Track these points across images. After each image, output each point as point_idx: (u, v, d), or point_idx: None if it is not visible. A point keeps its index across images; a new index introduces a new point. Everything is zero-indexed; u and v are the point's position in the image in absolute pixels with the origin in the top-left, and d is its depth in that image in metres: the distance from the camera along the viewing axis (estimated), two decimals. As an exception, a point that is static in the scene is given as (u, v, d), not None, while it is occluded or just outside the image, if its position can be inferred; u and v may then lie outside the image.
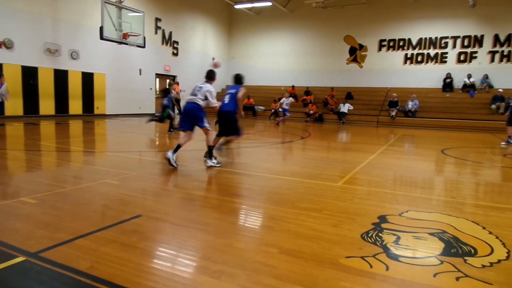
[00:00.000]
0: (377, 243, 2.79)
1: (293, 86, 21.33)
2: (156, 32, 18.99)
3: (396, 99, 18.10)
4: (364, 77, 20.89)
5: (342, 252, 2.62)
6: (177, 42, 20.51)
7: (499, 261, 2.55)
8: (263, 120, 18.90)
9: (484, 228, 3.21)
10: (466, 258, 2.56)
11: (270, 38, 23.32)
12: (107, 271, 2.24)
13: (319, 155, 8.30)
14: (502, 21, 17.82)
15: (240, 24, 24.39)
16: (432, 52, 19.49)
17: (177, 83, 19.12)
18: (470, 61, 18.73)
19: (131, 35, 14.24)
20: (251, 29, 23.94)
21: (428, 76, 19.42)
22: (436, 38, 19.29)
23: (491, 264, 2.49)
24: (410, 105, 17.82)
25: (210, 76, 5.89)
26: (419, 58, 19.78)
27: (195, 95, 5.74)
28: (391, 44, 20.37)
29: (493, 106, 16.66)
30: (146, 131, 12.41)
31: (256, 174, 5.72)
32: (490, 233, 3.08)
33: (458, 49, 18.91)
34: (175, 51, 20.50)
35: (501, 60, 18.11)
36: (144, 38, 14.96)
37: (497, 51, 18.15)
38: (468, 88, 18.30)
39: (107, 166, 5.78)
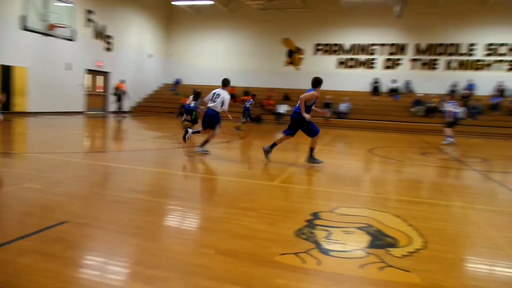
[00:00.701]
0: (310, 239, 2.90)
1: (232, 86, 21.39)
2: (87, 25, 17.76)
3: (329, 101, 19.06)
4: (301, 79, 21.61)
5: (278, 249, 2.69)
6: (111, 37, 19.40)
7: (416, 250, 2.80)
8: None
9: (404, 221, 3.51)
10: (388, 249, 2.78)
11: (209, 37, 23.13)
12: (26, 284, 2.04)
13: (256, 154, 8.40)
14: (423, 32, 19.73)
15: (179, 22, 23.84)
16: (362, 57, 20.87)
17: (122, 81, 18.30)
18: (395, 67, 20.41)
19: (59, 27, 13.13)
20: (191, 27, 23.52)
21: (359, 80, 20.73)
22: (366, 44, 20.71)
23: (410, 253, 2.73)
24: (342, 107, 18.88)
25: (225, 83, 6.85)
26: (351, 63, 21.07)
27: (215, 102, 6.68)
28: (326, 48, 21.41)
29: (413, 109, 18.35)
30: (74, 130, 11.62)
31: (193, 174, 5.64)
32: (410, 225, 3.38)
33: (385, 55, 20.51)
34: (108, 46, 19.38)
35: (421, 68, 20.02)
36: (74, 30, 13.90)
37: (418, 59, 20.03)
38: (393, 92, 19.94)
39: (28, 168, 5.28)
